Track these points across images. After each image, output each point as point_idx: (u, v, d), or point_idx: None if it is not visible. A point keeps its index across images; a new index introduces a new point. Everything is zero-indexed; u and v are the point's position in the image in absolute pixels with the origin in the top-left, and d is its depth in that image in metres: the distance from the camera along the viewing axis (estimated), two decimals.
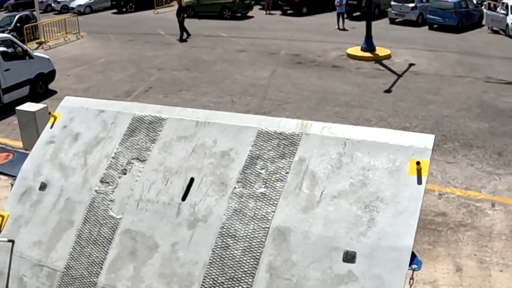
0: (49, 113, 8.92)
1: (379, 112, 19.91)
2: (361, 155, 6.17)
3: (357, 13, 42.95)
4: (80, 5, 50.43)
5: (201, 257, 6.31)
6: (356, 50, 29.39)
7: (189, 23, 40.94)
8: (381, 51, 29.18)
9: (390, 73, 25.69)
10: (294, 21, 42.93)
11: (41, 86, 22.76)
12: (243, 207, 6.46)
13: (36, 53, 23.83)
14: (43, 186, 7.94)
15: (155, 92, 22.83)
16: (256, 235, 6.16)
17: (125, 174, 7.52)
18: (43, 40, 33.35)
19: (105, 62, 28.76)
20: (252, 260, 6.02)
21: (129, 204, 7.19)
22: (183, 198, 6.89)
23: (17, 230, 7.63)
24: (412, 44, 32.64)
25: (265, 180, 6.55)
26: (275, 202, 6.31)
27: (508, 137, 17.46)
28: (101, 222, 7.22)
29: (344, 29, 37.84)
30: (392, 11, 41.35)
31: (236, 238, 6.23)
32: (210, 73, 25.89)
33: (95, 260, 6.94)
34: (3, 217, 7.85)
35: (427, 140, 6.16)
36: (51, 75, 23.45)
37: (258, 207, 6.39)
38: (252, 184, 6.61)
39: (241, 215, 6.42)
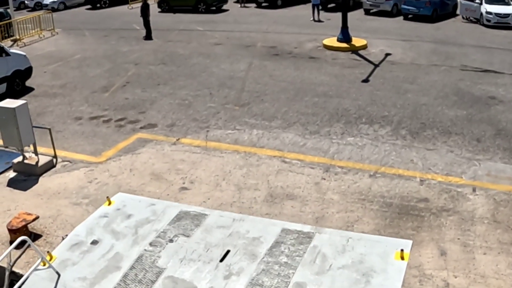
0: (107, 197, 10.84)
1: (357, 102, 19.99)
2: (360, 246, 8.37)
3: (332, 5, 43.11)
4: (53, 2, 50.04)
5: None
6: (332, 41, 29.47)
7: (163, 17, 40.95)
8: (357, 41, 29.28)
9: (366, 63, 25.81)
10: (269, 13, 42.97)
11: (18, 83, 22.46)
12: (270, 269, 8.48)
13: (12, 50, 23.53)
14: (94, 242, 9.44)
15: (133, 87, 22.71)
16: (279, 285, 8.06)
17: (171, 242, 9.30)
18: (17, 37, 33.00)
19: (81, 58, 28.53)
20: None
21: (173, 261, 8.86)
22: (221, 260, 8.77)
23: (64, 269, 8.82)
24: (387, 34, 32.81)
25: (287, 255, 8.68)
26: (295, 267, 8.37)
27: (485, 123, 17.64)
28: (147, 269, 8.76)
29: (319, 21, 37.94)
30: (367, 2, 41.58)
31: (263, 286, 8.13)
32: (186, 67, 25.82)
33: None
34: (51, 256, 9.10)
35: (407, 242, 8.85)
36: (27, 72, 23.18)
37: (282, 269, 8.40)
38: (277, 257, 8.71)
39: (268, 273, 8.41)
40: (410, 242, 8.88)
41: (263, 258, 8.74)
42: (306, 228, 9.20)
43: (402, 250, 8.37)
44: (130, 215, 10.16)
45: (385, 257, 8.29)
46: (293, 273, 8.31)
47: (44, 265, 9.14)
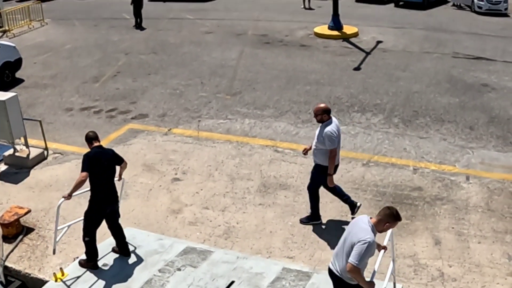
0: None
1: (349, 90, 19.91)
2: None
3: None
4: None
5: None
6: (323, 29, 29.32)
7: (154, 6, 40.55)
8: (348, 29, 29.15)
9: (358, 50, 25.69)
10: (259, 1, 42.66)
11: (7, 75, 22.18)
12: None
13: (1, 42, 23.29)
14: (105, 265, 10.19)
15: (124, 77, 22.53)
16: None
17: (179, 270, 10.00)
18: (7, 28, 32.57)
19: (71, 48, 28.26)
20: None
21: (181, 285, 9.56)
22: None
23: (75, 285, 9.67)
24: (378, 21, 32.65)
25: None
26: None
27: (478, 111, 17.61)
28: None
29: (310, 8, 37.72)
30: None
31: None
32: (177, 56, 25.64)
33: None
34: (63, 273, 9.89)
35: (397, 286, 9.38)
36: (17, 63, 22.88)
37: None
38: None
39: None
40: (400, 285, 9.62)
41: None
42: (305, 269, 9.99)
43: None
44: (139, 246, 10.80)
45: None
46: None
47: (56, 280, 9.83)
